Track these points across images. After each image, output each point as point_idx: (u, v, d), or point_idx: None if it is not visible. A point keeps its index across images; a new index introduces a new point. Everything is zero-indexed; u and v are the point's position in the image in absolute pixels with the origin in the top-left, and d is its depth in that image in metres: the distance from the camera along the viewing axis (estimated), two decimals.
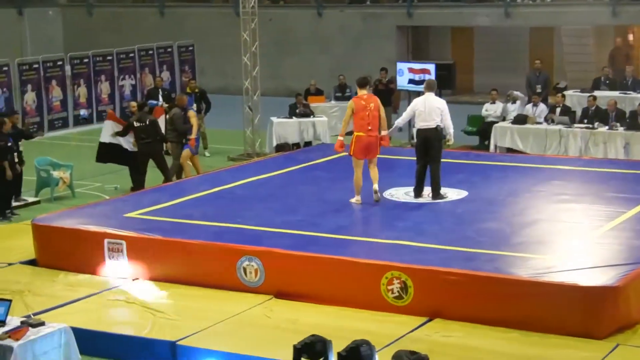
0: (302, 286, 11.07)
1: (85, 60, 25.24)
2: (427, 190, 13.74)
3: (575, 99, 21.45)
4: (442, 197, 13.60)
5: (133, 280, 11.95)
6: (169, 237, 12.04)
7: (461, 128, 21.25)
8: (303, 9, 30.16)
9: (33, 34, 32.16)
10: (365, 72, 14.34)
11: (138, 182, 16.84)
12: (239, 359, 9.62)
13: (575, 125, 19.07)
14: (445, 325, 10.21)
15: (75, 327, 9.43)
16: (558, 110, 19.54)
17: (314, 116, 21.07)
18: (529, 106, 20.10)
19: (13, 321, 9.04)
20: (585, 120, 19.17)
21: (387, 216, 13.03)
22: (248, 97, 20.83)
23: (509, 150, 19.28)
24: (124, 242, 12.07)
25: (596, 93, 20.63)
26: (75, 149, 21.27)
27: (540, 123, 19.40)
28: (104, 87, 25.65)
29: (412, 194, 13.77)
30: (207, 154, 20.87)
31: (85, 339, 9.78)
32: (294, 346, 8.13)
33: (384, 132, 13.50)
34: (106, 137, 17.55)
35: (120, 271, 12.07)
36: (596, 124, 18.76)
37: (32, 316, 9.51)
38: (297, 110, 20.96)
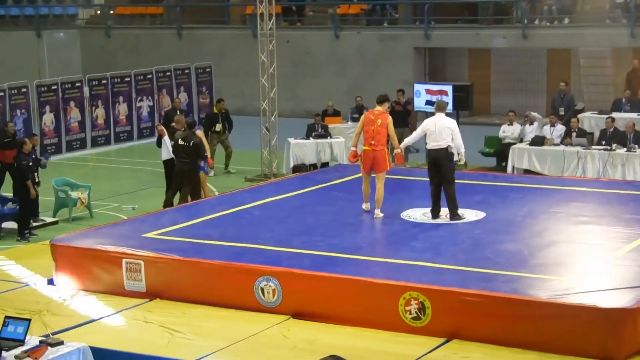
0: (320, 306, 11.06)
1: (104, 81, 25.42)
2: (445, 211, 13.73)
3: (593, 120, 21.43)
4: (459, 217, 13.59)
5: (151, 300, 11.97)
6: (187, 257, 12.06)
7: (478, 149, 21.27)
8: (320, 30, 30.27)
9: (51, 56, 32.39)
10: (382, 93, 14.42)
11: (168, 199, 16.51)
12: None
13: (593, 146, 19.03)
14: (463, 346, 10.17)
15: (93, 347, 9.44)
16: (574, 134, 19.50)
17: (331, 137, 21.11)
18: (547, 127, 20.08)
19: (32, 340, 9.07)
20: (604, 142, 19.13)
21: (404, 237, 13.02)
22: (265, 118, 20.89)
23: (527, 171, 19.25)
24: (142, 262, 12.09)
25: (614, 115, 20.60)
26: (93, 170, 21.38)
27: (557, 144, 19.37)
28: (122, 109, 25.79)
29: (430, 215, 13.77)
30: (232, 170, 21.38)
31: (104, 358, 9.79)
32: None
33: (396, 150, 13.87)
34: (166, 154, 17.27)
35: (138, 291, 12.09)
36: (614, 145, 18.72)
37: (50, 335, 9.54)
38: (314, 133, 21.01)
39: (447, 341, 10.31)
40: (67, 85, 24.49)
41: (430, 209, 13.79)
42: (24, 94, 23.53)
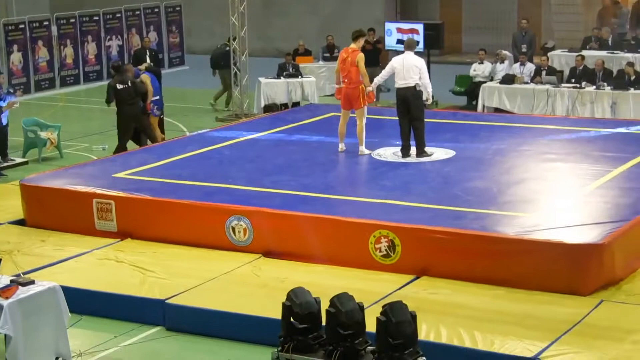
0: (291, 245, 11.14)
1: (72, 20, 25.12)
2: (415, 150, 13.79)
3: (563, 58, 21.46)
4: (426, 154, 13.66)
5: (122, 239, 11.99)
6: (157, 197, 12.07)
7: (449, 88, 21.28)
8: None
9: None
10: (356, 29, 14.33)
11: (121, 145, 16.10)
12: (228, 316, 9.70)
13: (563, 84, 19.09)
14: (432, 282, 10.30)
15: (65, 286, 9.46)
16: (544, 72, 19.53)
17: (302, 76, 21.03)
18: (517, 66, 20.10)
19: (3, 280, 9.06)
20: (573, 80, 19.20)
21: (374, 176, 13.08)
22: (236, 58, 20.77)
23: (497, 110, 19.31)
24: (113, 202, 12.09)
25: (584, 53, 20.64)
26: (62, 110, 21.20)
27: (527, 83, 19.42)
28: (91, 48, 25.53)
29: (400, 154, 13.82)
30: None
31: (75, 297, 9.81)
32: (283, 304, 8.22)
33: (368, 89, 13.84)
34: None
35: (109, 231, 12.11)
36: (584, 83, 18.78)
37: (21, 275, 9.54)
38: (285, 72, 20.91)
39: (417, 278, 10.43)
40: (34, 24, 24.18)
41: (400, 147, 13.84)
42: None
